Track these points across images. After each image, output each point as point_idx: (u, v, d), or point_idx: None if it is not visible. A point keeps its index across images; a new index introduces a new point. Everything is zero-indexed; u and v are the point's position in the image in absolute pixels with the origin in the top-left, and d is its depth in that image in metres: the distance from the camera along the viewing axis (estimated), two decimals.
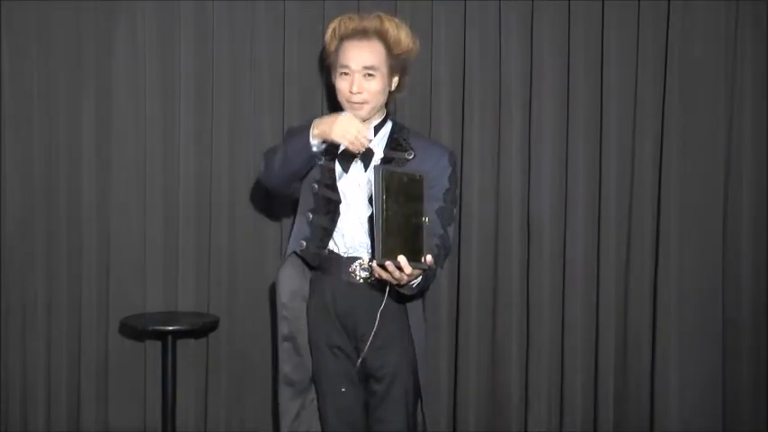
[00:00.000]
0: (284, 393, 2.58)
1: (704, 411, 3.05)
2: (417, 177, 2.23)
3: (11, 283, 3.14)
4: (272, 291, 2.73)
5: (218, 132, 3.11)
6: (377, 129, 2.58)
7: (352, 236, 2.53)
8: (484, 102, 3.07)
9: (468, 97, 3.06)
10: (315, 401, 2.61)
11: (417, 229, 2.20)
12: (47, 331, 3.14)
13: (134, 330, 3.03)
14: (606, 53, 3.04)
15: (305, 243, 2.54)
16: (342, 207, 2.53)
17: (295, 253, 2.56)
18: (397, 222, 2.15)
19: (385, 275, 2.22)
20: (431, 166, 2.46)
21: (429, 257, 2.23)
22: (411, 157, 2.53)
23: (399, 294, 2.38)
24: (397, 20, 2.58)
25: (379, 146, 2.57)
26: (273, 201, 3.06)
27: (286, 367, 2.57)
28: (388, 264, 2.17)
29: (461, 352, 3.09)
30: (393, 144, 2.57)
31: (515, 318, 3.08)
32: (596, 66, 3.05)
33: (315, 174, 2.55)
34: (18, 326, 3.15)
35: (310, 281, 2.59)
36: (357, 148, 2.45)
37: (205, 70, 3.10)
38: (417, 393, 2.61)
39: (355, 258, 2.53)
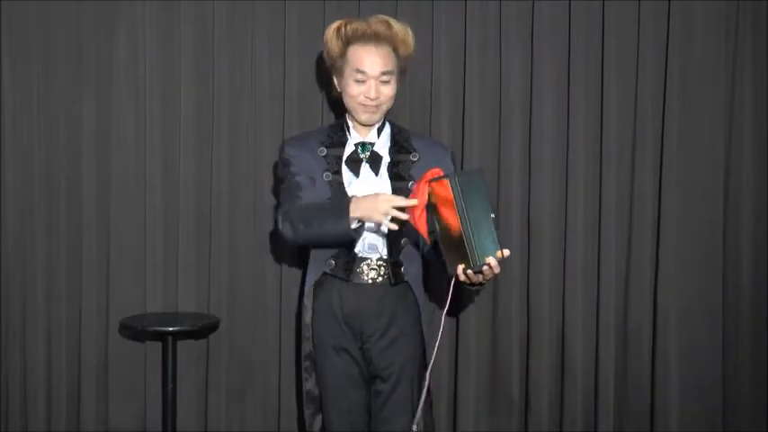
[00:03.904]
0: (308, 409, 2.63)
1: (704, 411, 3.04)
2: (479, 173, 2.27)
3: (11, 283, 3.14)
4: (299, 315, 2.76)
5: (219, 132, 3.11)
6: (379, 131, 2.60)
7: (362, 238, 2.53)
8: (484, 102, 3.06)
9: (468, 97, 3.06)
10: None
11: (491, 226, 2.23)
12: (47, 331, 3.14)
13: (134, 331, 3.03)
14: (606, 52, 3.03)
15: (333, 261, 2.54)
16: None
17: (324, 273, 2.56)
18: (478, 223, 2.18)
19: (475, 278, 2.28)
20: (436, 166, 2.47)
21: (507, 251, 2.26)
22: (416, 159, 2.56)
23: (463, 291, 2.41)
24: (401, 23, 2.58)
25: (384, 149, 2.58)
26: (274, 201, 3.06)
27: (308, 384, 2.61)
28: (486, 268, 2.23)
29: (461, 352, 3.09)
30: (397, 147, 2.59)
31: (515, 317, 3.08)
32: (596, 65, 3.05)
33: (324, 191, 2.54)
34: (18, 326, 3.15)
35: (314, 283, 2.58)
36: (403, 216, 2.33)
37: (205, 70, 3.10)
38: (428, 393, 2.62)
39: (363, 259, 2.54)
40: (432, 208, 2.26)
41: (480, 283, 2.35)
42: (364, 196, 2.43)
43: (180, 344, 3.02)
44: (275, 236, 3.11)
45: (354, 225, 2.40)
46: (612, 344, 3.06)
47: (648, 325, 3.07)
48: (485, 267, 2.23)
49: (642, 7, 3.02)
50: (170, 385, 2.95)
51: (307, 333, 2.59)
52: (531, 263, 3.07)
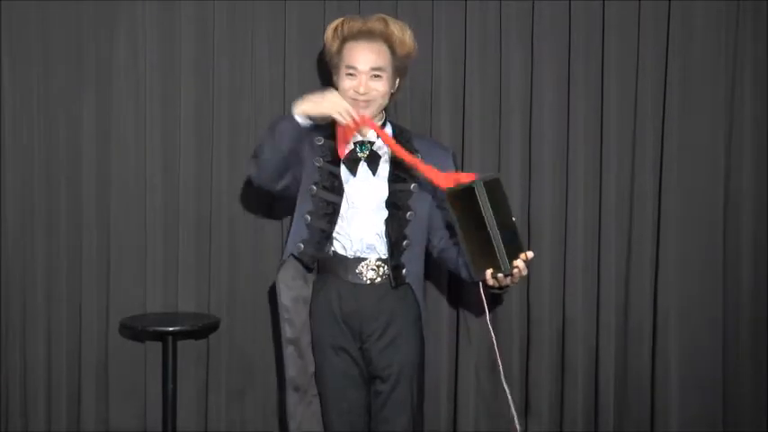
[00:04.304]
0: (291, 398, 2.59)
1: (704, 411, 3.05)
2: (498, 178, 2.30)
3: (11, 283, 3.14)
4: (272, 293, 2.73)
5: (219, 132, 3.11)
6: None
7: (360, 238, 2.54)
8: (484, 102, 3.06)
9: (468, 97, 3.06)
10: (315, 400, 2.61)
11: (515, 229, 2.27)
12: (47, 331, 3.14)
13: (134, 331, 3.03)
14: (607, 53, 3.04)
15: (302, 246, 2.54)
16: (349, 210, 2.53)
17: (293, 255, 2.56)
18: (503, 227, 2.20)
19: (505, 281, 2.31)
20: (437, 168, 2.49)
21: (530, 253, 2.32)
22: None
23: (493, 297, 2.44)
24: (400, 22, 2.60)
25: (383, 148, 2.58)
26: (274, 200, 3.06)
27: (291, 372, 2.57)
28: (515, 271, 2.26)
29: (461, 352, 3.09)
30: None
31: (515, 318, 3.08)
32: (597, 65, 3.05)
33: (313, 176, 2.55)
34: (18, 326, 3.15)
35: (313, 282, 2.59)
36: (348, 120, 2.42)
37: (205, 70, 3.10)
38: (421, 393, 2.62)
39: (362, 259, 2.54)
40: (454, 214, 2.27)
41: (507, 286, 2.36)
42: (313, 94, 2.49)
43: (180, 344, 3.02)
44: (275, 235, 3.12)
45: (301, 119, 2.43)
46: (612, 344, 3.06)
47: (648, 325, 3.07)
48: (514, 270, 2.24)
49: (642, 7, 3.02)
50: (170, 385, 2.95)
51: (285, 315, 2.56)
52: (531, 263, 3.06)
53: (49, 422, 3.16)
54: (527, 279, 3.07)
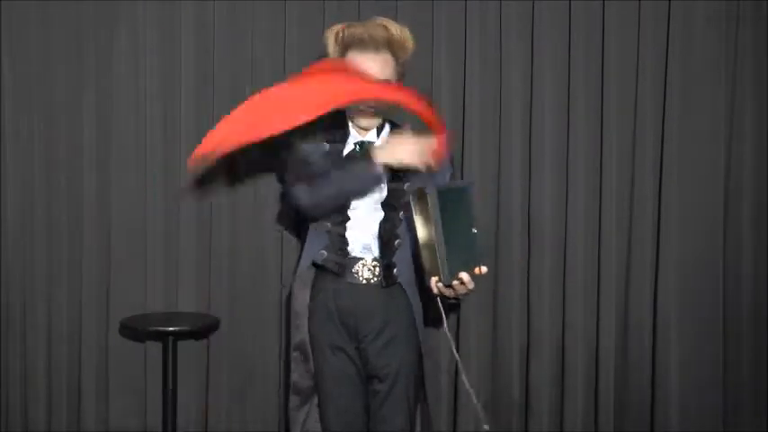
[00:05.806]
0: (293, 402, 2.61)
1: (704, 411, 3.05)
2: (467, 186, 2.25)
3: (11, 282, 3.14)
4: (288, 302, 2.75)
5: None
6: (378, 131, 2.59)
7: (356, 238, 2.54)
8: (484, 102, 3.06)
9: (468, 98, 3.06)
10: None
11: (471, 241, 2.19)
12: (47, 331, 3.15)
13: (134, 331, 3.03)
14: (607, 53, 3.04)
15: (325, 253, 2.54)
16: (347, 211, 2.54)
17: (314, 264, 2.56)
18: (454, 238, 2.14)
19: (447, 293, 2.22)
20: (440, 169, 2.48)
21: (484, 268, 2.22)
22: None
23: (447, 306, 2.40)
24: (397, 23, 2.56)
25: None
26: (274, 202, 3.06)
27: (294, 375, 2.60)
28: (456, 283, 2.17)
29: (462, 352, 3.08)
30: None
31: (515, 318, 3.08)
32: (597, 66, 3.05)
33: (325, 165, 2.54)
34: (18, 326, 3.15)
35: (312, 282, 2.59)
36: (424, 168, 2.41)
37: (205, 70, 3.10)
38: (420, 392, 2.62)
39: (359, 259, 2.54)
40: (415, 218, 2.23)
41: (456, 298, 2.31)
42: (386, 143, 2.45)
43: (180, 344, 3.02)
44: (275, 236, 3.12)
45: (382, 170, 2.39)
46: (612, 344, 3.06)
47: (648, 325, 3.07)
48: (455, 282, 2.18)
49: (642, 7, 3.02)
50: (170, 385, 2.95)
51: (296, 321, 2.59)
52: (531, 264, 3.07)
53: (49, 422, 3.17)
54: (527, 280, 3.08)
